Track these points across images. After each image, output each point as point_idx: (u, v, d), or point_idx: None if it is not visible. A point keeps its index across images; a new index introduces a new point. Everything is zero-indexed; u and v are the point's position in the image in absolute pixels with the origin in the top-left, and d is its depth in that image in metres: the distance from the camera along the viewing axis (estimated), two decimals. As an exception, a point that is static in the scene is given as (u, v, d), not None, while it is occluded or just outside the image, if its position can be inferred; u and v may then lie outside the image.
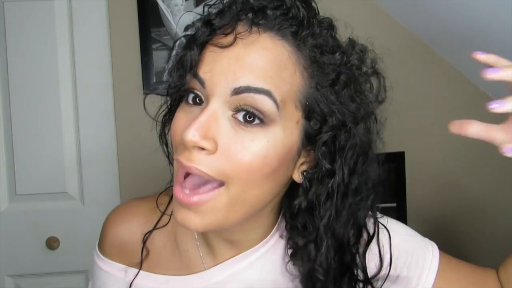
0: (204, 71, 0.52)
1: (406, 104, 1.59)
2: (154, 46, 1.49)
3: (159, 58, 1.49)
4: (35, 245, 1.49)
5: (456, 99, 1.61)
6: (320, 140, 0.54)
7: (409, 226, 1.77)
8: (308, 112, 0.54)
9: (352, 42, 0.59)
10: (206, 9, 0.57)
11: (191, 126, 0.50)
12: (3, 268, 1.49)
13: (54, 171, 1.49)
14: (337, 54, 0.55)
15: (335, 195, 0.56)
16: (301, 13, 0.54)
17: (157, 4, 1.48)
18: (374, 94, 0.60)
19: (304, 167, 0.57)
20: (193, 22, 0.58)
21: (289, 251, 0.63)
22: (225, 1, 0.56)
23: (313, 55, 0.53)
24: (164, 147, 0.64)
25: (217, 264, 0.65)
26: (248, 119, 0.51)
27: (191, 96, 0.54)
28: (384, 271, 0.64)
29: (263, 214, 0.61)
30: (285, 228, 0.64)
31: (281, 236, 0.65)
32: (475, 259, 1.83)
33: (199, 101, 0.54)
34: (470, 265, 0.71)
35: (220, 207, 0.53)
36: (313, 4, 0.57)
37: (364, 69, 0.59)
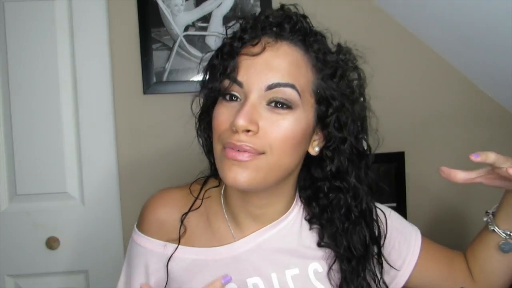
0: (241, 75, 0.69)
1: (406, 104, 1.60)
2: (154, 46, 1.49)
3: (159, 58, 1.49)
4: (35, 245, 1.49)
5: (456, 99, 1.61)
6: (331, 121, 0.72)
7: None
8: (319, 98, 0.72)
9: (339, 46, 0.76)
10: (227, 29, 0.77)
11: (239, 115, 0.66)
12: (3, 268, 1.49)
13: (54, 171, 1.49)
14: (334, 54, 0.74)
15: (354, 157, 0.75)
16: (305, 25, 0.73)
17: (157, 4, 1.48)
18: (360, 83, 0.77)
19: (315, 144, 0.75)
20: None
21: (306, 221, 0.81)
22: (245, 21, 0.74)
23: (318, 55, 0.72)
24: (201, 140, 0.81)
25: (245, 236, 0.78)
26: (279, 106, 0.68)
27: (228, 95, 0.70)
28: (381, 240, 0.81)
29: (286, 187, 0.77)
30: (301, 201, 0.82)
31: (298, 211, 0.81)
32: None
33: (234, 98, 0.70)
34: (444, 246, 0.90)
35: (262, 167, 0.68)
36: (308, 19, 0.75)
37: (350, 64, 0.77)
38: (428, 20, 1.48)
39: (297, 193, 0.82)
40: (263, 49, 0.69)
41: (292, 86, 0.68)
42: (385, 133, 1.79)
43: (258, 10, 1.50)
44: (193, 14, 1.50)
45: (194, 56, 1.50)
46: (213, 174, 0.84)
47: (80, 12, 1.48)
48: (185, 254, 0.78)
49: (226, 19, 1.51)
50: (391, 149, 1.58)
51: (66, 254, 1.50)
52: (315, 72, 0.71)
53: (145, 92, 1.49)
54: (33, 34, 1.47)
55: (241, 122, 0.66)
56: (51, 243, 1.49)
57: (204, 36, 1.50)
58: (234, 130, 0.67)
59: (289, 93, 0.68)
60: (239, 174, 0.68)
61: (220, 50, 0.74)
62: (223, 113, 0.70)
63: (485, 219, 0.84)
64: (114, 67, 1.49)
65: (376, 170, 1.57)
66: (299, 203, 0.82)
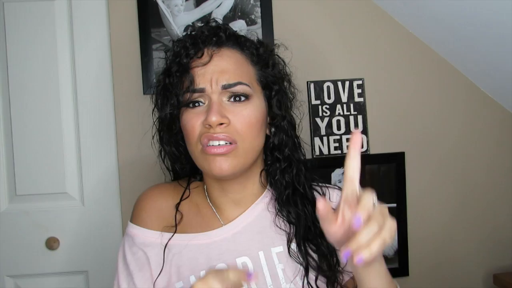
0: (201, 83, 0.82)
1: (406, 104, 1.59)
2: (154, 46, 1.49)
3: (159, 58, 1.49)
4: (35, 245, 1.49)
5: (456, 99, 1.61)
6: (274, 102, 0.88)
7: (409, 226, 1.77)
8: (264, 85, 0.87)
9: (260, 42, 0.91)
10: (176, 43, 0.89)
11: (211, 113, 0.78)
12: (3, 268, 1.49)
13: (54, 171, 1.49)
14: (262, 48, 0.89)
15: (289, 131, 0.90)
16: (232, 31, 0.88)
17: (157, 4, 1.48)
18: (284, 69, 0.94)
19: (268, 125, 0.90)
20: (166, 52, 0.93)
21: (275, 201, 0.90)
22: (182, 42, 0.87)
23: (252, 51, 0.87)
24: (165, 150, 0.93)
25: (231, 221, 0.89)
26: (238, 99, 0.82)
27: (192, 103, 0.83)
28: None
29: (255, 168, 0.90)
30: (270, 187, 0.92)
31: (268, 195, 0.92)
32: (472, 258, 1.83)
33: (197, 104, 0.83)
34: None
35: (239, 154, 0.81)
36: (230, 27, 0.90)
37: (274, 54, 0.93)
38: (428, 20, 1.48)
39: (268, 186, 0.93)
40: (211, 57, 0.82)
41: (240, 83, 0.82)
42: (385, 133, 1.79)
43: (258, 10, 1.50)
44: (193, 15, 1.50)
45: (194, 56, 1.50)
46: (190, 175, 0.95)
47: (80, 12, 1.48)
48: (179, 240, 0.86)
49: (226, 19, 1.51)
50: (391, 149, 1.58)
51: (66, 254, 1.50)
52: (254, 65, 0.87)
53: (145, 92, 1.49)
54: (33, 34, 1.47)
55: (214, 118, 0.78)
56: (51, 244, 1.49)
57: (204, 36, 1.50)
58: (208, 127, 0.79)
59: (241, 88, 0.82)
60: (223, 163, 0.80)
61: (168, 71, 0.87)
62: (192, 118, 0.82)
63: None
64: (114, 67, 1.49)
65: (376, 170, 1.57)
66: (268, 191, 0.93)
